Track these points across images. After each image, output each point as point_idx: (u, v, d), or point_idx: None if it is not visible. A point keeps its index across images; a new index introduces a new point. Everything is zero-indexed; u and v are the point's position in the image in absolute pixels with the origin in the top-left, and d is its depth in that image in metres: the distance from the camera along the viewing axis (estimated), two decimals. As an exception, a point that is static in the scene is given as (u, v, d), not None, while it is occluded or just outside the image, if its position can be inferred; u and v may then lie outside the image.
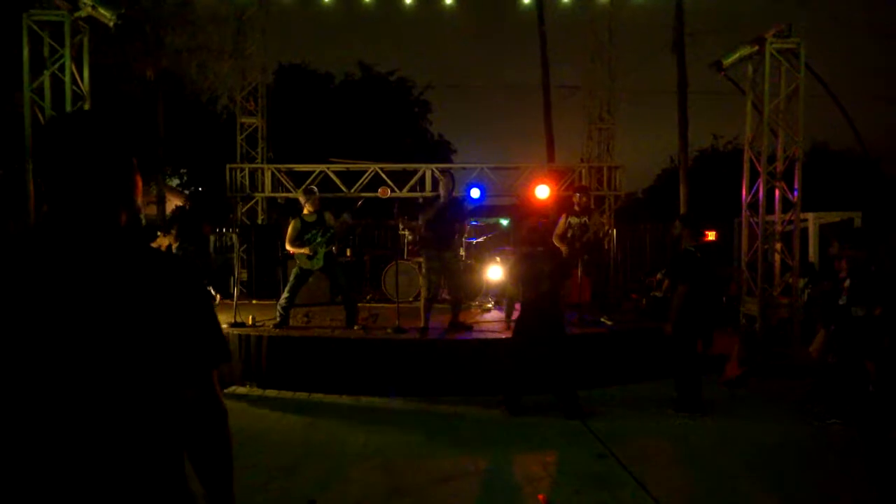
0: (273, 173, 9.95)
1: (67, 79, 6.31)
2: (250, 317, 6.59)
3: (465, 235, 7.87)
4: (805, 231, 8.74)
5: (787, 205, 7.30)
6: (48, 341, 1.05)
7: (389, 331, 6.09)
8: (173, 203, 15.38)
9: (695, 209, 11.23)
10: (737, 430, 4.67)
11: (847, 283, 4.70)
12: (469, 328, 6.33)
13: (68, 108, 6.33)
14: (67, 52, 6.26)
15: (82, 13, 6.23)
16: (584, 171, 10.00)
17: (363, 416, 5.17)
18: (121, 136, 1.20)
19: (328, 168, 9.80)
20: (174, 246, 7.06)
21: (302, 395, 5.66)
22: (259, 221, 9.90)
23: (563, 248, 6.77)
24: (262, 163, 10.15)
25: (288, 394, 5.71)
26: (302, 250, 6.24)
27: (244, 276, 8.70)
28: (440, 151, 19.95)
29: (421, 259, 6.54)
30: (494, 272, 7.92)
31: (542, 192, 8.44)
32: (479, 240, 8.62)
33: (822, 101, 9.33)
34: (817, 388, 5.07)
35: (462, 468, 3.96)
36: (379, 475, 3.87)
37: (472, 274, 8.04)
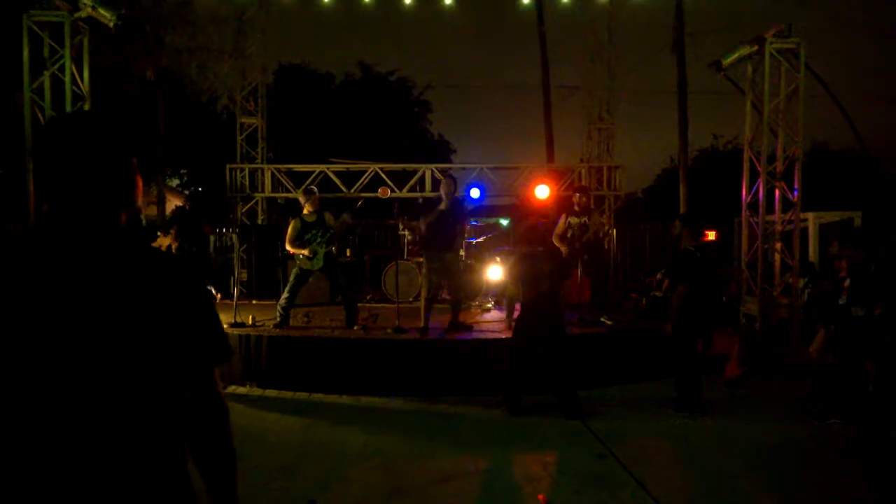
0: (273, 173, 9.95)
1: (67, 79, 6.31)
2: (250, 317, 6.59)
3: (466, 235, 7.86)
4: (805, 231, 8.74)
5: (787, 204, 7.30)
6: (49, 341, 1.05)
7: (389, 331, 6.09)
8: (173, 203, 15.39)
9: (695, 209, 11.23)
10: (737, 430, 4.67)
11: (847, 282, 4.70)
12: (469, 328, 6.33)
13: (68, 108, 6.33)
14: (67, 52, 6.27)
15: (82, 13, 6.23)
16: (583, 171, 10.00)
17: (363, 416, 5.17)
18: (121, 137, 1.20)
19: (328, 168, 9.80)
20: (174, 246, 7.06)
21: (302, 395, 5.67)
22: (259, 221, 9.91)
23: (563, 248, 6.77)
24: (262, 163, 10.15)
25: (288, 394, 5.71)
26: (302, 250, 6.24)
27: (244, 276, 8.70)
28: (440, 151, 19.95)
29: (421, 259, 6.54)
30: (494, 272, 7.92)
31: (542, 192, 8.44)
32: (479, 240, 8.62)
33: (821, 101, 9.35)
34: (817, 388, 5.08)
35: (462, 468, 3.96)
36: (379, 475, 3.87)
37: (472, 274, 8.04)
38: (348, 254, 9.39)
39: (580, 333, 6.10)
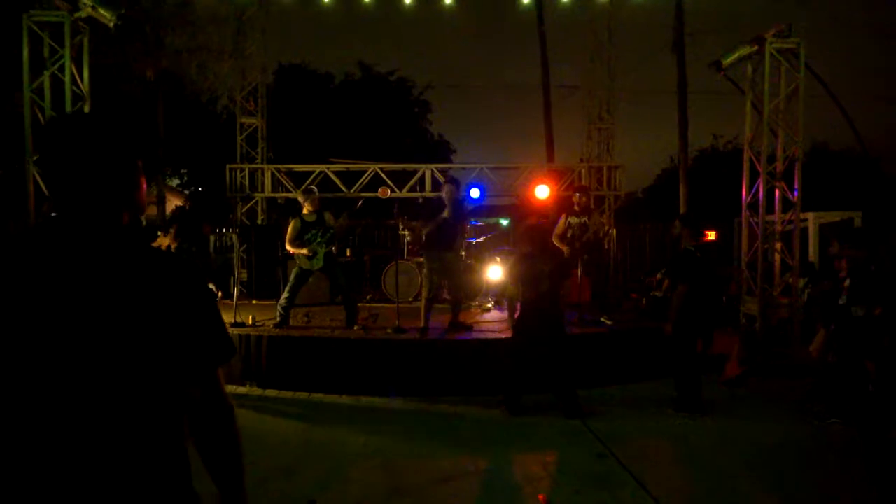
0: (273, 173, 9.96)
1: (67, 79, 6.31)
2: (250, 317, 6.59)
3: (466, 236, 7.86)
4: (805, 231, 8.74)
5: (787, 204, 7.30)
6: (52, 341, 1.05)
7: (389, 331, 6.09)
8: (173, 203, 15.38)
9: (695, 209, 11.23)
10: (737, 430, 4.67)
11: (847, 282, 4.70)
12: (469, 328, 6.33)
13: (68, 108, 6.33)
14: (67, 52, 6.27)
15: (82, 14, 6.23)
16: (583, 170, 10.00)
17: (363, 416, 5.17)
18: (127, 139, 1.21)
19: (328, 168, 9.80)
20: (173, 246, 7.06)
21: (302, 395, 5.67)
22: (259, 221, 9.91)
23: (564, 248, 6.77)
24: (262, 163, 10.15)
25: (288, 394, 5.71)
26: (302, 250, 6.24)
27: (244, 276, 8.70)
28: (440, 151, 19.96)
29: (421, 259, 6.53)
30: (494, 272, 7.93)
31: (542, 192, 8.44)
32: (479, 240, 8.62)
33: (821, 101, 9.34)
34: (817, 387, 5.07)
35: (462, 468, 3.96)
36: (379, 475, 3.87)
37: (472, 274, 8.04)
38: (348, 254, 9.39)
39: (580, 333, 6.11)
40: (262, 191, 9.92)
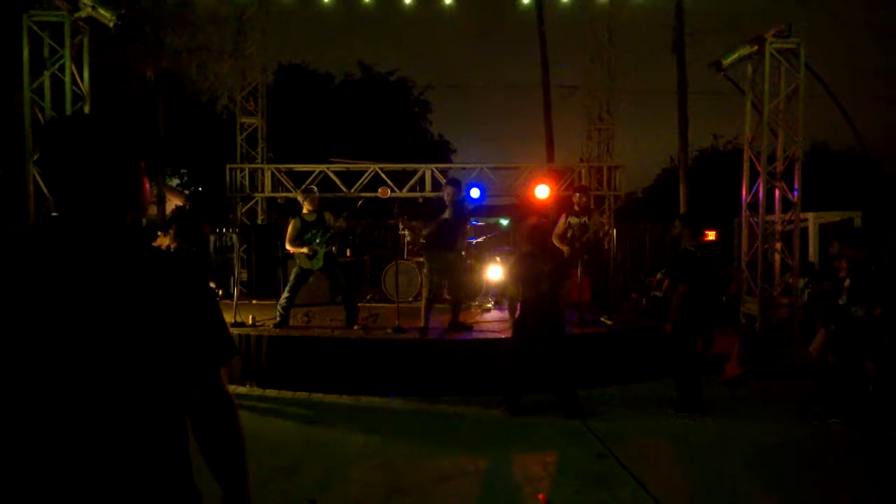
0: (273, 173, 9.96)
1: (67, 79, 6.31)
2: (250, 316, 6.59)
3: (467, 236, 7.85)
4: (805, 231, 8.74)
5: (787, 204, 7.30)
6: (54, 341, 1.06)
7: (389, 331, 6.09)
8: (173, 203, 15.38)
9: (695, 209, 11.23)
10: (737, 430, 4.67)
11: (847, 282, 4.70)
12: (469, 328, 6.33)
13: (68, 108, 6.33)
14: (67, 52, 6.27)
15: (82, 14, 6.23)
16: (583, 170, 10.00)
17: (363, 415, 5.17)
18: (129, 140, 1.22)
19: (328, 168, 9.80)
20: (173, 246, 7.06)
21: (302, 395, 5.67)
22: (259, 221, 9.91)
23: (564, 248, 6.77)
24: (262, 163, 10.16)
25: (288, 393, 5.71)
26: (302, 250, 6.24)
27: (244, 276, 8.70)
28: (440, 151, 19.96)
29: (421, 259, 6.53)
30: (494, 272, 7.93)
31: (542, 191, 8.44)
32: (479, 240, 8.62)
33: (821, 101, 9.34)
34: (817, 387, 5.07)
35: (462, 468, 3.96)
36: (379, 475, 3.87)
37: (472, 274, 8.04)
38: (348, 254, 9.39)
39: (580, 333, 6.10)
40: (262, 191, 9.93)
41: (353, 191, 9.64)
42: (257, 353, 5.88)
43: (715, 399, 5.33)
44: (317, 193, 6.56)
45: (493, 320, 7.02)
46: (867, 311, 4.50)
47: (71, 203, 1.15)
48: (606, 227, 8.65)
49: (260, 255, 8.78)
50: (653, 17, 11.64)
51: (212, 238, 11.34)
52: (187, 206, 15.23)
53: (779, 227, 7.23)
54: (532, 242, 5.19)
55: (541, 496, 3.54)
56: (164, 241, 7.01)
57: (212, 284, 6.49)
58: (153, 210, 12.20)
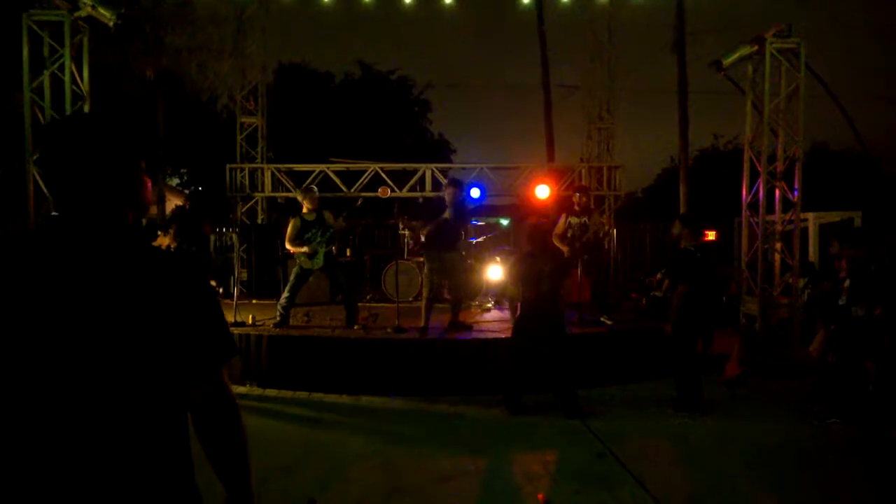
0: (273, 173, 9.95)
1: (67, 78, 6.31)
2: (250, 316, 6.60)
3: (468, 236, 7.85)
4: (805, 231, 8.74)
5: (787, 204, 7.30)
6: (55, 341, 1.06)
7: (389, 330, 6.09)
8: (173, 203, 15.39)
9: (695, 209, 11.22)
10: (737, 430, 4.67)
11: (847, 283, 4.70)
12: (469, 328, 6.33)
13: (68, 108, 6.33)
14: (67, 51, 6.26)
15: (82, 13, 6.23)
16: (583, 170, 10.00)
17: (363, 415, 5.17)
18: (131, 139, 1.22)
19: (328, 168, 9.80)
20: (173, 246, 7.06)
21: (302, 395, 5.67)
22: (259, 221, 9.91)
23: (564, 248, 6.77)
24: (261, 162, 10.15)
25: (288, 393, 5.71)
26: (302, 249, 6.24)
27: (244, 275, 8.70)
28: (440, 151, 19.96)
29: (421, 259, 6.52)
30: (494, 272, 7.92)
31: (542, 191, 8.44)
32: (479, 240, 8.62)
33: (822, 101, 9.33)
34: (817, 387, 5.08)
35: (462, 468, 3.96)
36: (379, 475, 3.87)
37: (472, 274, 8.03)
38: (348, 253, 9.39)
39: (580, 333, 6.10)
40: (262, 190, 9.92)
41: (353, 190, 9.64)
42: (257, 353, 5.88)
43: (715, 399, 5.33)
44: (316, 193, 6.56)
45: (492, 320, 7.02)
46: (867, 312, 4.50)
47: (72, 202, 1.15)
48: (606, 227, 8.65)
49: (260, 254, 8.78)
50: (653, 17, 11.63)
51: (212, 238, 11.34)
52: (187, 206, 15.23)
53: (779, 227, 7.23)
54: (532, 242, 5.19)
55: (540, 496, 3.54)
56: (164, 241, 7.01)
57: (212, 283, 6.48)
58: (153, 209, 12.21)
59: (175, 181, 17.74)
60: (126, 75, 10.17)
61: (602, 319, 6.63)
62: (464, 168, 10.48)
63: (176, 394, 1.15)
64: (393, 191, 9.33)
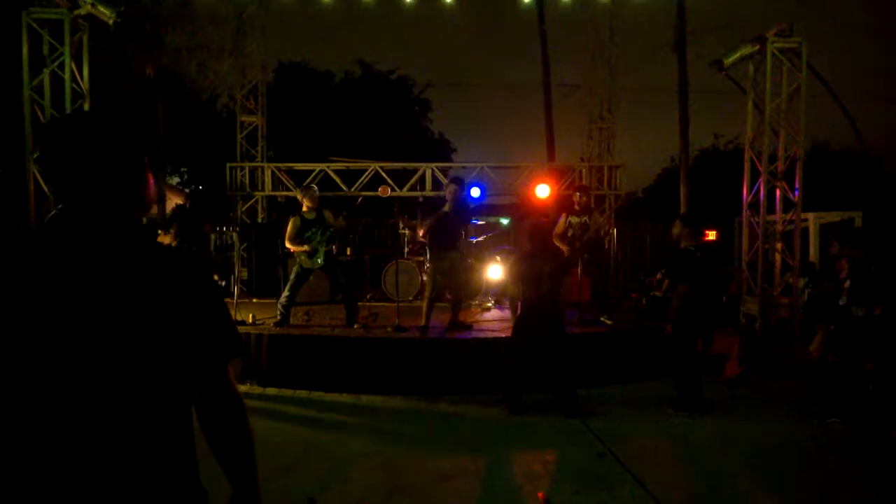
0: (273, 172, 9.95)
1: (67, 77, 6.30)
2: (251, 315, 6.59)
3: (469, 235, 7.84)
4: (805, 231, 8.73)
5: (787, 204, 7.29)
6: (60, 339, 1.05)
7: (389, 329, 6.09)
8: (174, 201, 15.38)
9: (695, 209, 11.22)
10: (737, 430, 4.67)
11: (847, 283, 4.70)
12: (469, 327, 6.33)
13: (68, 106, 6.33)
14: (67, 50, 6.26)
15: (82, 11, 6.22)
16: (584, 170, 10.00)
17: (363, 414, 5.17)
18: (134, 136, 1.21)
19: (328, 167, 9.80)
20: (174, 244, 7.06)
21: (302, 394, 5.66)
22: (259, 220, 9.91)
23: (564, 248, 6.77)
24: (262, 161, 10.15)
25: (288, 392, 5.71)
26: (302, 248, 6.24)
27: (244, 274, 8.70)
28: (440, 150, 19.95)
29: (421, 258, 6.52)
30: (494, 271, 7.92)
31: (543, 191, 8.44)
32: (479, 239, 8.62)
33: (823, 101, 9.32)
34: (817, 387, 5.07)
35: (462, 467, 3.96)
36: (379, 474, 3.87)
37: (472, 273, 8.03)
38: (348, 252, 9.39)
39: (580, 333, 6.10)
40: (263, 189, 9.92)
41: (353, 190, 9.64)
42: (257, 352, 5.88)
43: (715, 399, 5.32)
44: (316, 191, 6.56)
45: (493, 319, 7.02)
46: (867, 312, 4.50)
47: (77, 200, 1.15)
48: (607, 227, 8.64)
49: (260, 253, 8.78)
50: (654, 16, 11.61)
51: (212, 236, 11.34)
52: (188, 205, 15.21)
53: (779, 227, 7.22)
54: (532, 242, 5.19)
55: (540, 495, 3.54)
56: (164, 240, 7.01)
57: (215, 277, 6.51)
58: (154, 208, 12.20)
59: (175, 180, 17.74)
60: (126, 74, 10.17)
61: (602, 319, 6.62)
62: (464, 167, 10.48)
63: (181, 391, 1.15)
64: (393, 190, 9.33)
